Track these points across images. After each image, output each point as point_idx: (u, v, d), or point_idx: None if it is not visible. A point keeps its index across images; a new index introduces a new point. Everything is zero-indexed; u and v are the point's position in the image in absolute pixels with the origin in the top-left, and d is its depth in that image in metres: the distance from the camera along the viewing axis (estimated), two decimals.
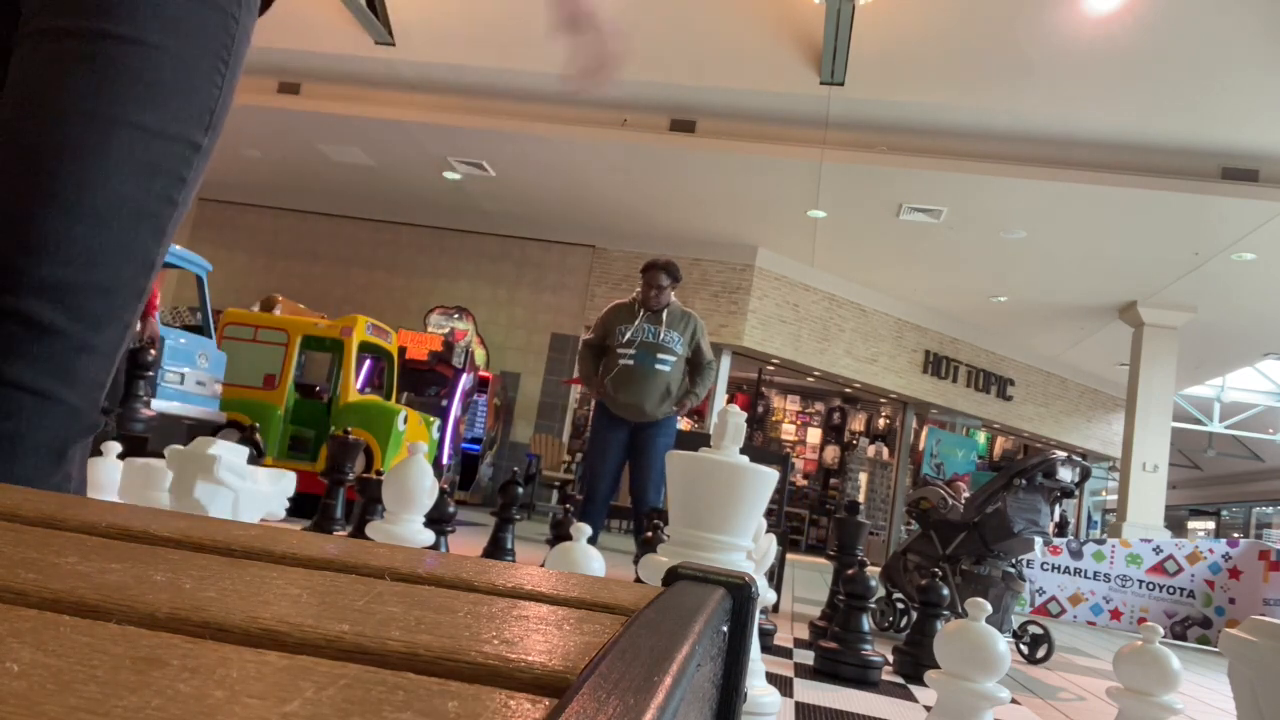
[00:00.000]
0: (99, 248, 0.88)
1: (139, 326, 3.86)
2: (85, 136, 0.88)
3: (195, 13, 0.94)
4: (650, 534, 3.09)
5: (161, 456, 1.91)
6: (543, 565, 1.70)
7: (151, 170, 0.92)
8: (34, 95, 0.89)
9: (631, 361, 4.28)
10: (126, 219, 0.90)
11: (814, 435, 15.88)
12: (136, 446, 3.60)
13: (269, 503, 1.88)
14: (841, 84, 6.86)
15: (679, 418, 4.50)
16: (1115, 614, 6.47)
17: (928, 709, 2.14)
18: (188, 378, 5.12)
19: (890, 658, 3.03)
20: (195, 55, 0.94)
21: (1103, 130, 7.05)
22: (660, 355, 4.28)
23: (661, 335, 4.31)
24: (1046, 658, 3.85)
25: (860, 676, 2.69)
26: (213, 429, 5.33)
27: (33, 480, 0.87)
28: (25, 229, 0.86)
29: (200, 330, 5.56)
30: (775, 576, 4.45)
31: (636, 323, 4.33)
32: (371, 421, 5.69)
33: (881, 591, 4.10)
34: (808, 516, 14.17)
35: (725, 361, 10.74)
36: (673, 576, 0.42)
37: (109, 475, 2.04)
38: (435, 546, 2.57)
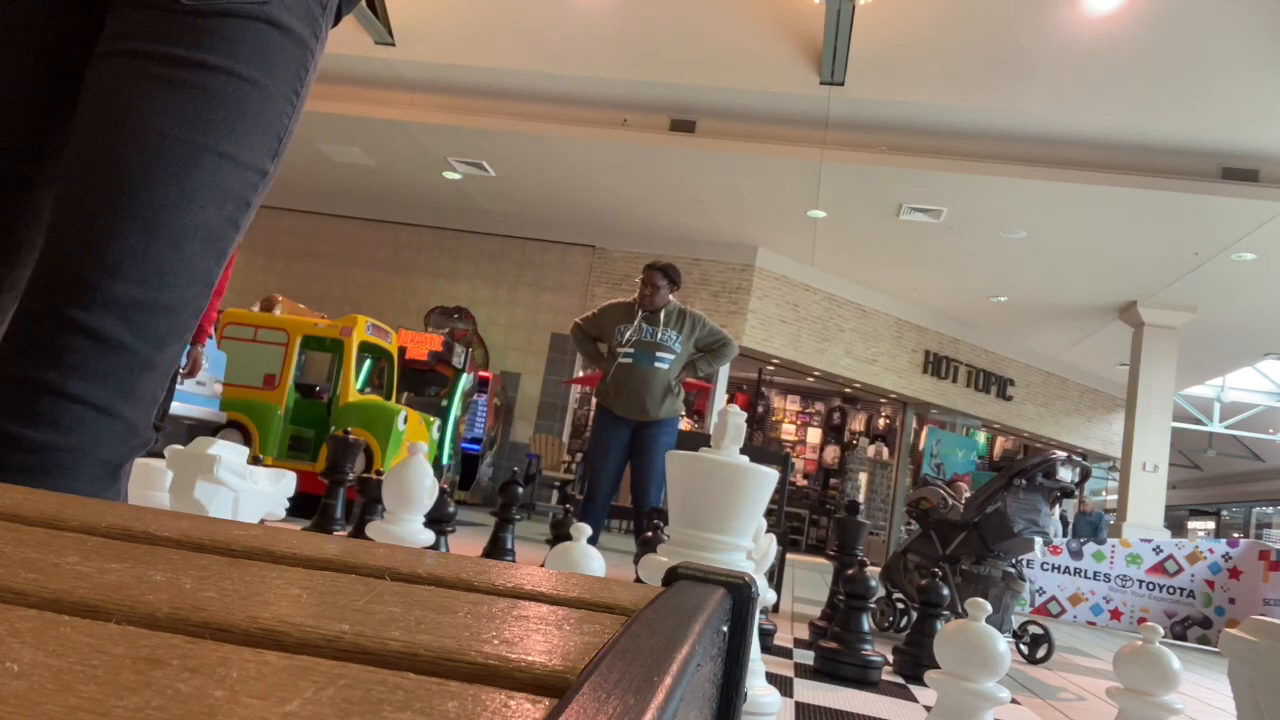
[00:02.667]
0: (171, 268, 0.90)
1: (190, 351, 3.84)
2: (173, 160, 0.90)
3: (282, 46, 0.96)
4: (650, 534, 3.09)
5: (161, 456, 1.91)
6: (543, 565, 1.70)
7: (225, 196, 0.94)
8: (124, 114, 0.90)
9: (630, 360, 4.29)
10: (199, 242, 0.92)
11: (814, 435, 15.88)
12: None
13: (269, 503, 1.88)
14: (841, 84, 6.86)
15: (680, 417, 4.50)
16: (1115, 614, 6.47)
17: (928, 709, 2.14)
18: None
19: (890, 658, 3.03)
20: (276, 86, 0.97)
21: (1103, 130, 7.05)
22: (659, 354, 4.29)
23: (660, 334, 4.32)
24: (1046, 658, 3.85)
25: (860, 676, 2.69)
26: (213, 429, 5.33)
27: (93, 493, 0.87)
28: (103, 245, 0.87)
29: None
30: (775, 576, 4.45)
31: (635, 322, 4.35)
32: (371, 421, 5.69)
33: (881, 591, 4.10)
34: (808, 516, 14.17)
35: None
36: (673, 576, 0.42)
37: None
38: (435, 546, 2.57)
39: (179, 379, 3.66)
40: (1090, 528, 10.78)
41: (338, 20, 1.09)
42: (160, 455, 1.93)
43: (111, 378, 0.88)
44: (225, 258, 0.97)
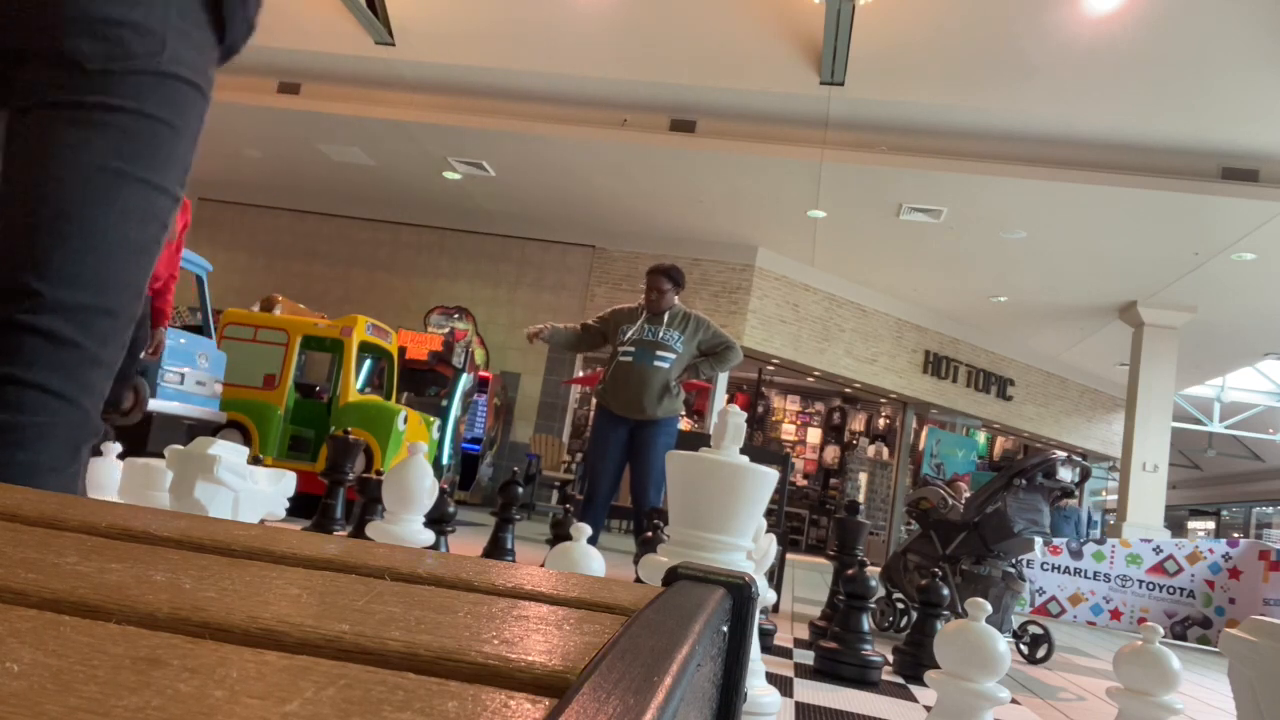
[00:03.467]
0: (108, 277, 1.06)
1: (151, 336, 3.98)
2: (104, 186, 1.06)
3: (185, 94, 1.15)
4: (650, 534, 3.09)
5: (161, 456, 1.91)
6: (543, 565, 1.70)
7: (149, 216, 1.11)
8: (56, 152, 1.06)
9: (630, 359, 4.28)
10: (130, 255, 1.08)
11: (814, 435, 15.88)
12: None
13: (269, 503, 1.88)
14: (841, 84, 6.86)
15: (680, 417, 4.50)
16: (1115, 614, 6.47)
17: (928, 709, 2.14)
18: (188, 378, 5.11)
19: (890, 658, 3.03)
20: (184, 126, 1.14)
21: (1103, 130, 7.05)
22: (659, 353, 4.28)
23: (661, 334, 4.31)
24: (1046, 658, 3.85)
25: (860, 676, 2.69)
26: (213, 429, 5.33)
27: (57, 466, 1.02)
28: (48, 260, 1.02)
29: (200, 330, 5.56)
30: (775, 576, 4.45)
31: (638, 323, 4.35)
32: (371, 421, 5.69)
33: (881, 591, 4.10)
34: (808, 516, 14.17)
35: None
36: (673, 576, 0.42)
37: (109, 475, 2.04)
38: (435, 546, 2.57)
39: (144, 359, 3.83)
40: (1064, 521, 10.73)
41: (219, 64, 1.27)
42: (160, 455, 1.93)
43: (65, 369, 1.02)
44: (150, 270, 1.13)
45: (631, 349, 4.30)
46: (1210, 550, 6.58)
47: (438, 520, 2.84)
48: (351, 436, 3.51)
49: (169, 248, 3.88)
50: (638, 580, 1.85)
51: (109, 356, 1.06)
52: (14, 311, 1.00)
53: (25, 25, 1.07)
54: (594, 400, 4.53)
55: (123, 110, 1.07)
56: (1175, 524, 19.59)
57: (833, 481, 15.36)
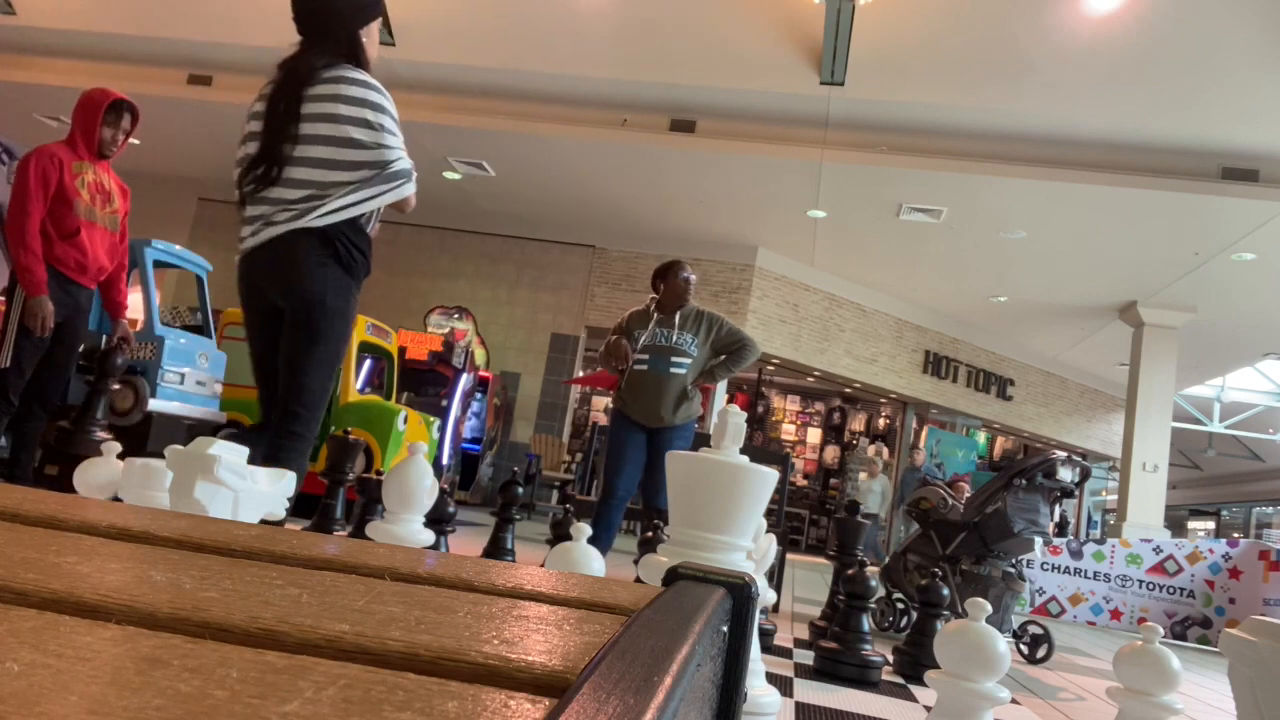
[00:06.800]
0: (318, 402, 2.48)
1: (114, 327, 4.03)
2: (326, 367, 2.48)
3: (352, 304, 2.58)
4: (650, 534, 3.08)
5: (161, 456, 1.91)
6: (543, 565, 1.70)
7: (337, 364, 2.52)
8: (304, 351, 2.46)
9: (645, 366, 4.16)
10: (327, 382, 2.49)
11: (814, 435, 15.87)
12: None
13: (269, 503, 1.88)
14: (841, 84, 6.86)
15: (696, 421, 4.40)
16: (1115, 614, 6.47)
17: (928, 709, 2.14)
18: (188, 378, 5.11)
19: (890, 658, 3.03)
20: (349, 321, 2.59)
21: (1102, 130, 7.05)
22: (674, 358, 4.15)
23: (675, 338, 4.17)
24: (1046, 658, 3.85)
25: (860, 676, 2.69)
26: (213, 429, 5.33)
27: (302, 462, 2.49)
28: (298, 399, 2.44)
29: (200, 330, 5.56)
30: (775, 576, 4.45)
31: (650, 326, 4.24)
32: (371, 421, 5.69)
33: (881, 591, 4.10)
34: (808, 516, 14.16)
35: None
36: (673, 576, 0.42)
37: (109, 475, 2.04)
38: (435, 546, 2.57)
39: (122, 350, 3.97)
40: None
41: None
42: (160, 455, 1.93)
43: (305, 431, 2.44)
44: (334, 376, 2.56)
45: (646, 356, 4.18)
46: (1210, 550, 6.58)
47: (438, 520, 2.84)
48: (351, 436, 3.51)
49: (112, 238, 3.88)
50: (638, 580, 1.84)
51: (315, 426, 2.49)
52: (295, 414, 2.41)
53: (293, 298, 2.44)
54: (610, 403, 4.44)
55: (329, 329, 2.47)
56: (1175, 524, 19.58)
57: (833, 481, 15.36)
